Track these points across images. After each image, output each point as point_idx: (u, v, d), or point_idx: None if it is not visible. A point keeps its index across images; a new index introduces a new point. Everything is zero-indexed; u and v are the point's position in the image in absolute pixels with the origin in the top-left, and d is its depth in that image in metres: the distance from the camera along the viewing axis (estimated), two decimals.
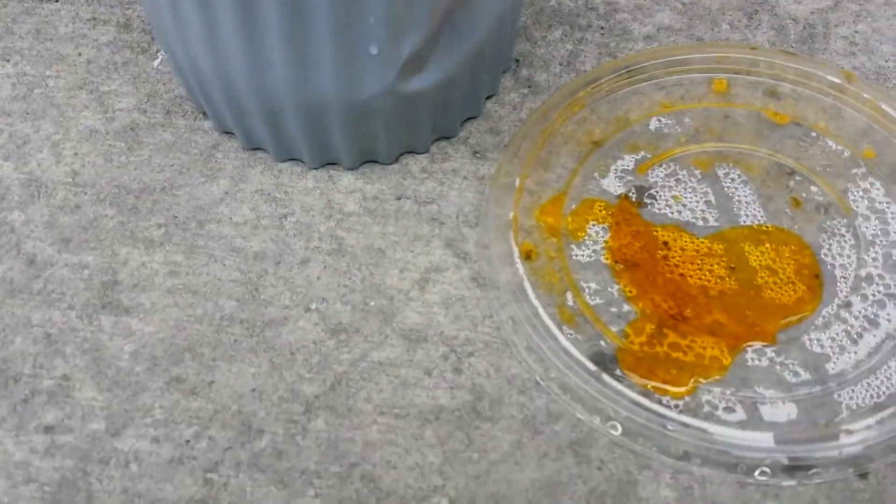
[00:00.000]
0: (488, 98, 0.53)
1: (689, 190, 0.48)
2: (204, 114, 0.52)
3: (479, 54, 0.47)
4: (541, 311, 0.43)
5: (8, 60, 0.55)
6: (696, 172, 0.48)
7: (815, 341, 0.42)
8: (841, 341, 0.42)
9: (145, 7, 0.48)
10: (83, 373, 0.43)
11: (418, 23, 0.42)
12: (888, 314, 0.43)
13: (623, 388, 0.40)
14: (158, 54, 0.55)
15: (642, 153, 0.49)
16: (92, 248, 0.47)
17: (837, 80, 0.50)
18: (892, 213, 0.46)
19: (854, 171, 0.48)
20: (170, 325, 0.44)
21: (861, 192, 0.47)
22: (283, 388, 0.42)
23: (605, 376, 0.41)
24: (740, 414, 0.40)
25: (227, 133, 0.51)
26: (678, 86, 0.52)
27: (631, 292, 0.43)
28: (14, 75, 0.54)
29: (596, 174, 0.49)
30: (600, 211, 0.47)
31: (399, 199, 0.49)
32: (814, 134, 0.49)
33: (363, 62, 0.43)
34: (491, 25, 0.47)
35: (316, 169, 0.50)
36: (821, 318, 0.43)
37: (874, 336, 0.42)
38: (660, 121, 0.50)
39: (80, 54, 0.55)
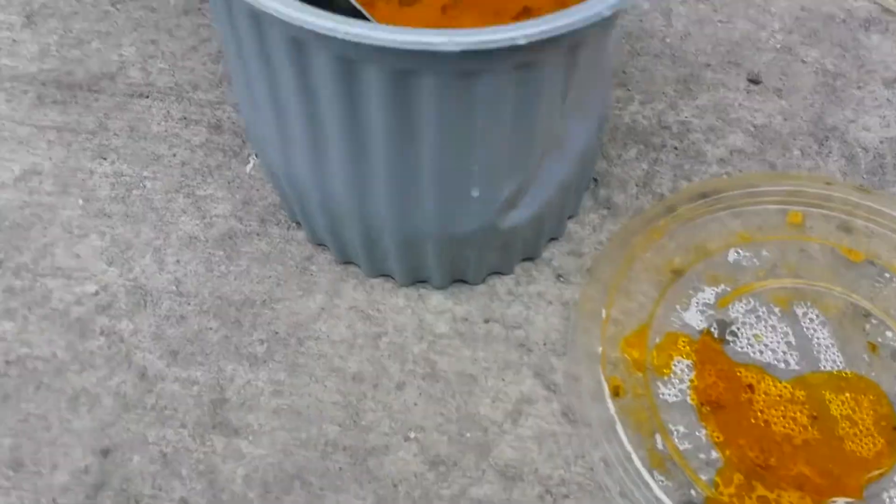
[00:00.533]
0: (569, 218, 0.55)
1: (770, 329, 0.50)
2: (297, 223, 0.54)
3: (568, 184, 0.50)
4: (633, 455, 0.45)
5: (105, 158, 0.57)
6: (776, 310, 0.51)
7: (894, 500, 0.45)
8: None
9: (245, 118, 0.50)
10: (200, 496, 0.45)
11: (518, 169, 0.45)
12: None
13: None
14: (250, 159, 0.57)
15: (722, 286, 0.52)
16: (199, 363, 0.49)
17: None
18: None
19: None
20: (278, 449, 0.46)
21: None
22: None
23: None
24: None
25: (320, 245, 0.53)
26: (754, 215, 0.55)
27: (718, 437, 0.46)
28: (112, 174, 0.56)
29: (678, 306, 0.51)
30: (684, 346, 0.49)
31: (487, 322, 0.51)
32: (888, 274, 0.52)
33: (464, 203, 0.45)
34: (579, 157, 0.49)
35: (406, 286, 0.52)
36: None
37: None
38: (738, 253, 0.53)
39: (174, 155, 0.57)
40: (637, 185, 0.56)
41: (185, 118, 0.58)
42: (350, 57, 0.37)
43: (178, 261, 0.52)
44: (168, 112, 0.58)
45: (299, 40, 0.38)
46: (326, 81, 0.39)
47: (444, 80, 0.38)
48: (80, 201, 0.54)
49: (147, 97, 0.59)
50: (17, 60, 0.60)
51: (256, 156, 0.56)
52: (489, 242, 0.49)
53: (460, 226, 0.47)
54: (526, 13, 0.46)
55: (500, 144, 0.42)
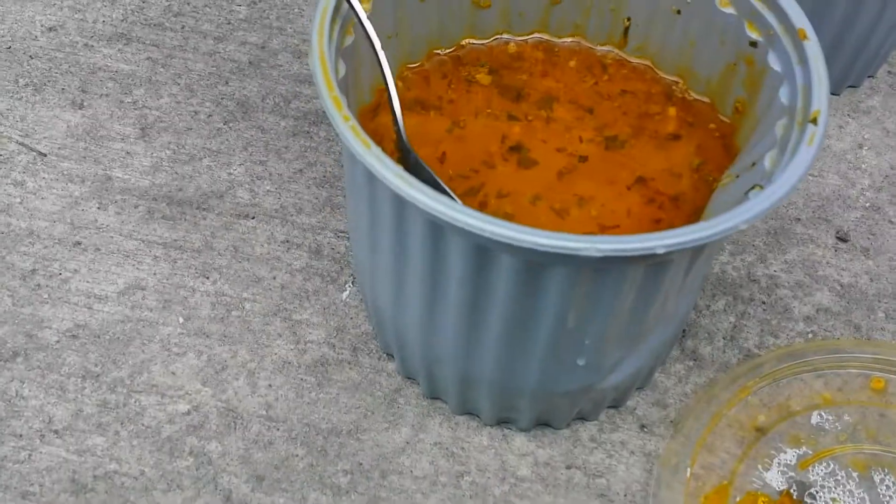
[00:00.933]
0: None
1: (847, 493, 0.50)
2: (388, 355, 0.55)
3: (665, 345, 0.51)
4: None
5: (207, 277, 0.59)
6: (854, 475, 0.51)
7: None
8: None
9: (355, 258, 0.52)
10: None
11: (627, 342, 0.46)
12: None
13: None
14: (347, 286, 0.59)
15: (804, 448, 0.52)
16: (283, 490, 0.50)
17: None
18: None
19: None
20: None
21: None
22: None
23: None
24: None
25: (409, 378, 0.55)
26: (836, 377, 0.55)
27: None
28: (213, 294, 0.58)
29: (759, 466, 0.51)
30: None
31: (569, 468, 0.52)
32: None
33: (568, 369, 0.46)
34: (678, 323, 0.50)
35: (491, 426, 0.53)
36: None
37: None
38: (821, 416, 0.53)
39: (274, 278, 0.59)
40: (724, 339, 0.57)
41: (287, 241, 0.61)
42: (487, 247, 0.39)
43: (270, 385, 0.54)
44: (272, 234, 0.61)
45: (438, 226, 0.39)
46: (457, 263, 0.41)
47: (574, 273, 0.40)
48: (181, 319, 0.57)
49: (253, 218, 0.62)
50: (130, 173, 0.64)
51: (353, 283, 0.58)
52: (583, 397, 0.50)
53: (560, 386, 0.48)
54: (640, 183, 0.48)
55: (615, 325, 0.43)
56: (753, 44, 0.48)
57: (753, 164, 0.45)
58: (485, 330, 0.44)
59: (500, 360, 0.46)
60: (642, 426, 0.53)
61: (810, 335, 0.57)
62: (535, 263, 0.39)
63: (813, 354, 0.55)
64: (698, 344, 0.57)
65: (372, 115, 0.50)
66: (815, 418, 0.53)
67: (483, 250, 0.39)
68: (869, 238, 0.62)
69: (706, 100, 0.52)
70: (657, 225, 0.47)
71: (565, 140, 0.50)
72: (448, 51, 0.55)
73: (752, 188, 0.43)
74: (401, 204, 0.40)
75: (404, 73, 0.53)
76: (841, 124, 0.68)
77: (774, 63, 0.47)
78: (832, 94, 0.69)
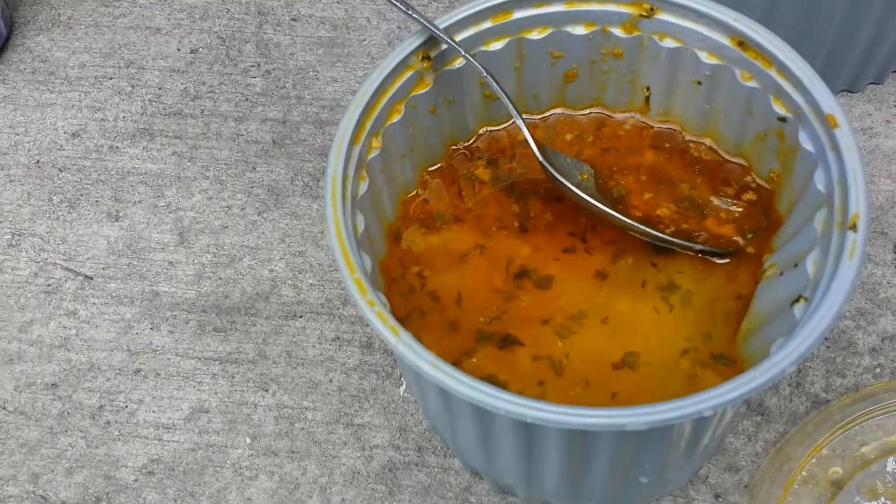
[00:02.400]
0: None
1: None
2: (453, 452, 0.56)
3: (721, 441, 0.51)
4: None
5: (267, 390, 0.60)
6: None
7: None
8: None
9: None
10: None
11: (689, 462, 0.46)
12: None
13: None
14: (403, 381, 0.59)
15: (882, 499, 0.52)
16: None
17: None
18: None
19: None
20: None
21: None
22: None
23: None
24: None
25: (477, 474, 0.56)
26: None
27: None
28: (275, 407, 0.59)
29: None
30: None
31: None
32: None
33: (632, 487, 0.46)
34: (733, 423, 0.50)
35: None
36: None
37: None
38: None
39: (331, 381, 0.60)
40: (789, 386, 0.57)
41: (337, 338, 0.61)
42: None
43: (343, 500, 0.56)
44: (322, 333, 0.62)
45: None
46: (507, 432, 0.42)
47: (622, 436, 0.40)
48: (248, 439, 0.58)
49: (301, 317, 0.62)
50: (176, 286, 0.65)
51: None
52: (651, 498, 0.51)
53: (627, 498, 0.48)
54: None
55: (670, 457, 0.44)
56: (782, 119, 0.46)
57: (796, 264, 0.44)
58: (543, 469, 0.45)
59: (563, 487, 0.47)
60: (717, 495, 0.54)
61: (878, 370, 0.57)
62: (583, 433, 0.39)
63: (885, 395, 0.55)
64: (764, 396, 0.56)
65: (395, 236, 0.50)
66: (890, 465, 0.53)
67: (530, 425, 0.40)
68: None
69: (741, 161, 0.51)
70: None
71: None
72: (466, 143, 0.54)
73: (798, 300, 0.42)
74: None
75: (424, 179, 0.53)
76: (888, 118, 0.66)
77: (806, 143, 0.45)
78: (874, 83, 0.66)
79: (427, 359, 0.39)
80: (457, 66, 0.49)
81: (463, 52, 0.47)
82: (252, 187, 0.68)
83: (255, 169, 0.69)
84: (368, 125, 0.46)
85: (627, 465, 0.44)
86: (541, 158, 0.48)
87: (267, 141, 0.70)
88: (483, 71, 0.47)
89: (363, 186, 0.46)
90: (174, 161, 0.70)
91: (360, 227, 0.45)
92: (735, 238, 0.48)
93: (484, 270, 0.49)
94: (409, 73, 0.48)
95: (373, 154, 0.46)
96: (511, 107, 0.47)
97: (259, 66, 0.74)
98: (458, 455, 0.53)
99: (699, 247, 0.47)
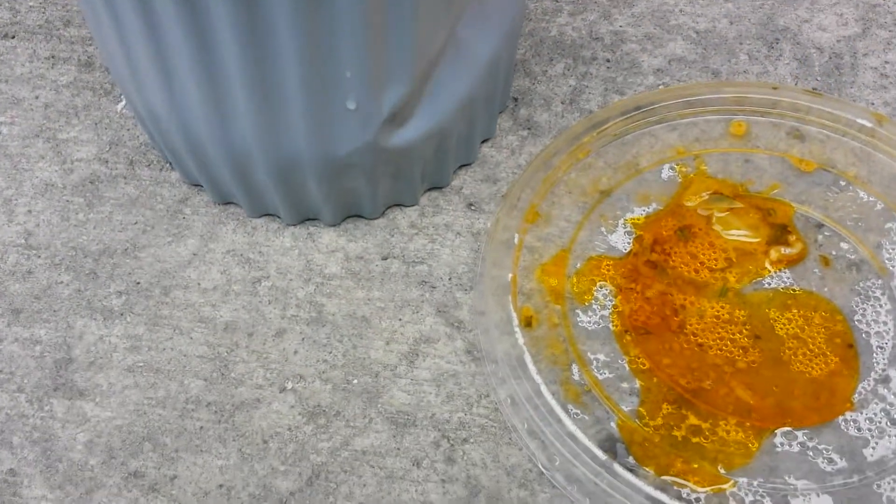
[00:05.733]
0: (483, 142, 0.50)
1: (708, 246, 0.45)
2: (170, 163, 0.49)
3: (470, 100, 0.45)
4: (543, 388, 0.40)
5: None
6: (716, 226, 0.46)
7: (851, 423, 0.39)
8: (880, 422, 0.39)
9: (100, 49, 0.45)
10: (32, 467, 0.40)
11: (401, 75, 0.40)
12: None
13: (637, 480, 0.38)
14: (123, 97, 0.52)
15: (654, 205, 0.47)
16: (45, 321, 0.44)
17: (868, 124, 0.48)
18: None
19: (888, 225, 0.45)
20: (129, 410, 0.42)
21: None
22: (253, 484, 0.40)
23: (617, 466, 0.38)
24: None
25: (196, 186, 0.49)
26: (692, 126, 0.50)
27: (643, 365, 0.41)
28: None
29: (603, 228, 0.46)
30: (608, 271, 0.44)
31: (385, 259, 0.46)
32: (843, 182, 0.47)
33: (340, 117, 0.40)
34: (482, 69, 0.44)
35: (294, 226, 0.47)
36: (856, 396, 0.40)
37: None
38: (672, 168, 0.48)
39: (37, 97, 0.53)
40: (563, 103, 0.52)
41: (52, 56, 0.54)
42: None
43: (29, 211, 0.48)
44: (34, 52, 0.54)
45: None
46: None
47: None
48: None
49: (13, 38, 0.55)
50: None
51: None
52: (378, 167, 0.44)
53: (338, 145, 0.42)
54: None
55: (373, 43, 0.37)
56: None
57: None
58: (223, 77, 0.38)
59: (259, 122, 0.40)
60: (470, 205, 0.48)
61: (661, 87, 0.52)
62: None
63: (661, 102, 0.50)
64: (533, 112, 0.51)
65: None
66: (666, 172, 0.48)
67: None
68: None
69: None
70: None
71: None
72: None
73: None
74: None
75: None
76: None
77: None
78: None
79: None
80: None
81: None
82: None
83: None
84: None
85: (320, 64, 0.37)
86: None
87: None
88: None
89: None
90: None
91: None
92: None
93: None
94: None
95: None
96: None
97: None
98: (160, 137, 0.46)
99: None
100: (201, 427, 0.41)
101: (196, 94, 0.40)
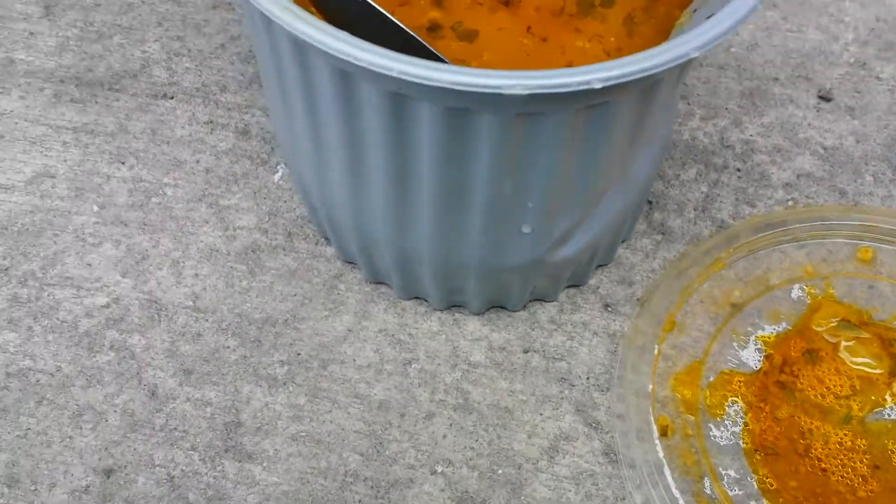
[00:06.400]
0: (621, 243, 0.54)
1: (833, 372, 0.49)
2: (326, 239, 0.54)
3: (624, 214, 0.49)
4: (679, 498, 0.44)
5: (123, 162, 0.57)
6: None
7: None
8: None
9: (277, 131, 0.49)
10: None
11: (576, 206, 0.44)
12: None
13: None
14: (279, 168, 0.57)
15: (783, 324, 0.51)
16: (214, 384, 0.49)
17: None
18: None
19: None
20: (294, 478, 0.46)
21: None
22: None
23: None
24: None
25: (349, 262, 0.53)
26: (820, 247, 0.54)
27: (771, 485, 0.45)
28: (130, 180, 0.56)
29: (735, 343, 0.50)
30: (739, 387, 0.48)
31: (527, 352, 0.51)
32: None
33: (514, 238, 0.45)
34: (641, 186, 0.48)
35: (441, 310, 0.52)
36: None
37: None
38: (802, 289, 0.52)
39: (198, 161, 0.57)
40: (695, 210, 0.56)
41: (211, 122, 0.59)
42: (402, 93, 0.36)
43: (196, 274, 0.52)
44: (193, 115, 0.59)
45: (347, 73, 0.37)
46: (373, 115, 0.38)
47: (503, 119, 0.37)
48: (95, 207, 0.55)
49: (171, 98, 0.59)
50: (34, 55, 0.61)
51: (286, 164, 0.56)
52: (535, 273, 0.49)
53: (506, 260, 0.46)
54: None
55: (560, 182, 0.42)
56: None
57: None
58: (414, 198, 0.43)
59: (437, 233, 0.45)
60: (606, 305, 0.52)
61: (790, 203, 0.56)
62: (459, 110, 0.37)
63: (794, 223, 0.54)
64: (667, 216, 0.55)
65: None
66: (795, 292, 0.52)
67: (400, 99, 0.37)
68: (854, 96, 0.61)
69: None
70: None
71: None
72: None
73: (710, 17, 0.41)
74: (301, 50, 0.38)
75: None
76: None
77: None
78: None
79: (282, 3, 0.37)
80: None
81: None
82: None
83: None
84: None
85: (509, 196, 0.42)
86: None
87: None
88: None
89: None
90: None
91: None
92: None
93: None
94: None
95: None
96: None
97: None
98: (330, 226, 0.51)
99: None
100: (360, 500, 0.46)
101: (382, 201, 0.44)
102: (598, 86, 0.34)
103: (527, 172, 0.40)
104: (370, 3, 0.40)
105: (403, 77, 0.34)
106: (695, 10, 0.44)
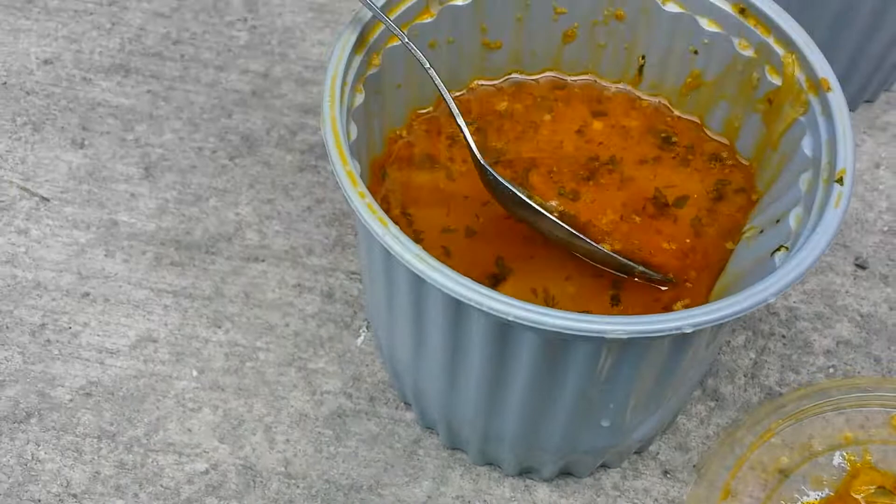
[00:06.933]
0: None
1: None
2: (406, 404, 0.58)
3: (687, 397, 0.54)
4: None
5: (220, 326, 0.62)
6: None
7: None
8: None
9: (370, 307, 0.54)
10: None
11: (653, 404, 0.49)
12: None
13: None
14: (361, 332, 0.62)
15: (826, 490, 0.55)
16: None
17: None
18: None
19: None
20: None
21: None
22: None
23: None
24: None
25: (428, 428, 0.58)
26: (858, 413, 0.58)
27: None
28: (226, 344, 0.61)
29: None
30: None
31: None
32: None
33: (592, 430, 0.49)
34: (700, 377, 0.53)
35: (513, 477, 0.56)
36: None
37: None
38: (842, 456, 0.56)
39: (287, 325, 0.62)
40: (745, 376, 0.60)
41: (298, 285, 0.63)
42: (508, 323, 0.41)
43: (287, 440, 0.57)
44: (283, 278, 0.64)
45: (459, 304, 0.42)
46: (478, 340, 0.44)
47: (598, 350, 0.42)
48: (195, 372, 0.60)
49: (263, 261, 0.64)
50: (136, 217, 0.66)
51: (367, 328, 0.61)
52: (607, 452, 0.53)
53: (584, 445, 0.51)
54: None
55: (639, 393, 0.46)
56: (775, 89, 0.50)
57: (778, 220, 0.47)
58: (507, 399, 0.47)
59: (523, 424, 0.49)
60: (665, 472, 0.56)
61: (831, 370, 0.60)
62: (559, 340, 0.42)
63: (836, 392, 0.58)
64: (719, 383, 0.60)
65: (381, 170, 0.52)
66: (837, 459, 0.56)
67: (505, 327, 0.42)
68: (888, 264, 0.65)
69: (724, 140, 0.55)
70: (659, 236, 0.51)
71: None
72: (458, 93, 0.57)
73: (778, 249, 0.45)
74: (420, 282, 0.43)
75: (412, 122, 0.56)
76: (857, 142, 0.71)
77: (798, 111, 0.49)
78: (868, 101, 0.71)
79: (412, 250, 0.42)
80: (461, 3, 0.53)
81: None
82: (226, 133, 0.70)
83: (230, 116, 0.71)
84: (371, 41, 0.49)
85: (595, 397, 0.47)
86: (482, 161, 0.50)
87: (246, 91, 0.73)
88: (411, 46, 0.50)
89: (359, 99, 0.49)
90: (148, 99, 0.72)
91: (353, 135, 0.47)
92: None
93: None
94: None
95: (371, 71, 0.49)
96: (441, 88, 0.49)
97: (245, 20, 0.77)
98: (415, 400, 0.55)
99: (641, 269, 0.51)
100: None
101: (474, 397, 0.49)
102: (689, 330, 0.39)
103: (611, 388, 0.45)
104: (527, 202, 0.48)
105: (518, 322, 0.39)
106: (761, 231, 0.48)
